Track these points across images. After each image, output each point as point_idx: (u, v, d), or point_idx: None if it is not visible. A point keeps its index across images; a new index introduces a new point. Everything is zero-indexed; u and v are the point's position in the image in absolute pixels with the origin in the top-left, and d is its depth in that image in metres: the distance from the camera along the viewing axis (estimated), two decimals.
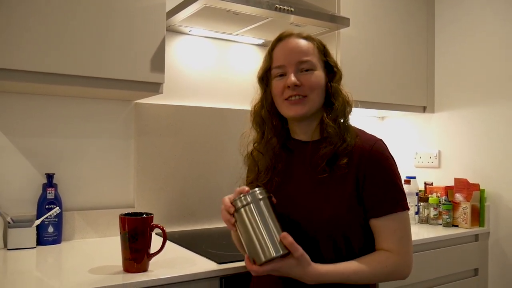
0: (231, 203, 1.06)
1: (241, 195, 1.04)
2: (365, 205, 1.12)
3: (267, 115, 1.23)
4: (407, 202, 1.14)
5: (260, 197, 1.04)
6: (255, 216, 1.02)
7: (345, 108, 1.18)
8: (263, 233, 1.01)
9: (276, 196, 1.16)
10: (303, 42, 1.18)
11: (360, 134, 1.18)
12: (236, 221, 1.05)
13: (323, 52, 1.21)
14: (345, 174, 1.12)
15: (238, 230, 1.06)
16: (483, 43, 2.27)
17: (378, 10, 2.25)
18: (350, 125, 1.19)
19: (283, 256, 1.01)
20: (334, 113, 1.17)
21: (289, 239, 0.99)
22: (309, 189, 1.15)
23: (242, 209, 1.03)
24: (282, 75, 1.18)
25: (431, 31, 2.48)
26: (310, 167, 1.16)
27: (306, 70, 1.16)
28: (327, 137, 1.16)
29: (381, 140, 1.17)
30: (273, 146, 1.22)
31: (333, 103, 1.18)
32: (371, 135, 1.19)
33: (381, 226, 1.12)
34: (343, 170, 1.11)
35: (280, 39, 1.21)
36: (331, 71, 1.21)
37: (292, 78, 1.14)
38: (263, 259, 1.00)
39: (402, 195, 1.14)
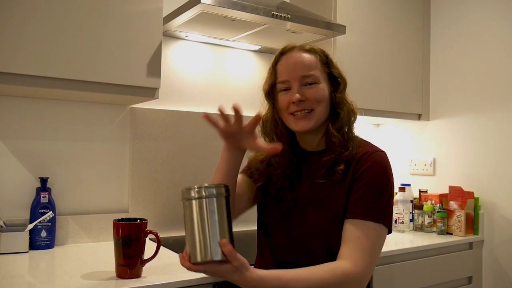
0: (182, 190, 0.97)
1: (196, 187, 0.95)
2: (346, 204, 1.10)
3: (277, 125, 1.23)
4: (386, 218, 1.08)
5: (215, 193, 0.95)
6: (203, 213, 0.94)
7: (350, 117, 1.19)
8: (207, 234, 0.93)
9: (283, 200, 1.19)
10: (306, 56, 1.18)
11: (364, 144, 1.18)
12: (185, 210, 0.97)
13: (326, 63, 1.20)
14: (342, 180, 1.12)
15: (184, 220, 0.98)
16: (478, 52, 2.29)
17: (374, 18, 2.27)
18: (355, 135, 1.19)
19: (220, 261, 0.94)
20: (339, 122, 1.17)
21: (228, 247, 0.91)
22: (308, 195, 1.16)
23: (194, 201, 0.95)
24: (287, 89, 1.17)
25: (427, 39, 2.49)
26: (313, 175, 1.17)
27: (310, 84, 1.16)
28: (331, 147, 1.16)
29: (383, 152, 1.16)
30: (285, 153, 1.22)
31: (339, 113, 1.18)
32: (375, 146, 1.18)
33: (347, 229, 1.06)
34: (338, 175, 1.11)
35: (283, 52, 1.20)
36: (335, 81, 1.20)
37: (296, 94, 1.14)
38: (198, 259, 0.93)
39: (385, 209, 1.08)
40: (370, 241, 1.05)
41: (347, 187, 1.11)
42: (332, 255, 1.09)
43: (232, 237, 0.96)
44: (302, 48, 1.19)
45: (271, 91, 1.22)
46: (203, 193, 0.95)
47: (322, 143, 1.20)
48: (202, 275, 1.32)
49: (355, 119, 1.20)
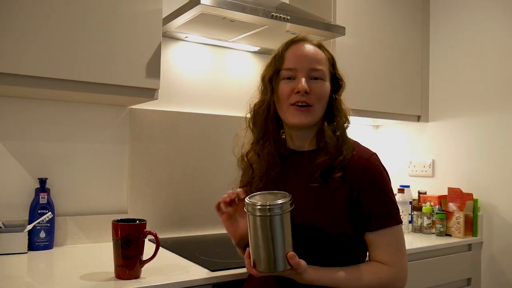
0: (252, 203, 1.01)
1: (266, 205, 1.00)
2: (360, 219, 1.11)
3: (268, 117, 1.20)
4: (400, 216, 1.15)
5: (282, 210, 1.00)
6: (274, 228, 1.00)
7: (344, 121, 1.18)
8: (276, 247, 1.00)
9: None
10: (317, 50, 1.18)
11: (356, 147, 1.17)
12: (249, 221, 1.02)
13: (332, 64, 1.20)
14: (339, 187, 1.11)
15: (248, 230, 1.03)
16: (477, 53, 2.29)
17: (373, 19, 2.27)
18: (348, 137, 1.19)
19: None
20: (335, 125, 1.17)
21: (295, 259, 1.00)
22: (301, 198, 1.13)
23: (261, 218, 1.00)
24: (291, 78, 1.15)
25: (426, 41, 2.50)
26: (305, 176, 1.15)
27: (316, 79, 1.15)
28: (323, 147, 1.15)
29: (375, 154, 1.17)
30: (269, 150, 1.21)
31: (335, 116, 1.18)
32: (367, 148, 1.19)
33: (376, 239, 1.12)
34: (336, 183, 1.11)
35: (294, 41, 1.20)
36: (337, 83, 1.20)
37: (304, 84, 1.12)
38: (266, 270, 1.01)
39: (396, 209, 1.14)
40: (399, 242, 1.14)
41: (345, 194, 1.11)
42: (323, 255, 1.10)
43: (293, 243, 1.03)
44: (313, 42, 1.19)
45: (272, 77, 1.18)
46: (271, 212, 0.99)
47: (313, 142, 1.19)
48: (200, 276, 1.34)
49: (348, 124, 1.20)
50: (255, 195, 1.06)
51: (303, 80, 1.13)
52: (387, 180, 1.15)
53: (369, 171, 1.12)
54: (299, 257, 1.03)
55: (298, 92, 1.13)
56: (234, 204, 1.17)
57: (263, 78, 1.21)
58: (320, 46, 1.20)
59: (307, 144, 1.20)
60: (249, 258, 1.04)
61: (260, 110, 1.21)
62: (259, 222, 1.00)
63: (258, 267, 1.02)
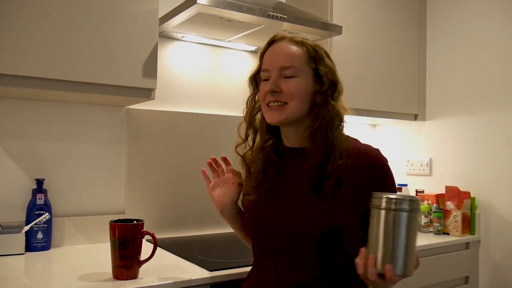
0: (389, 198, 0.93)
1: (406, 199, 0.92)
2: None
3: (256, 117, 1.22)
4: None
5: (419, 207, 0.95)
6: (412, 225, 0.93)
7: (332, 120, 1.12)
8: (413, 247, 0.95)
9: (266, 201, 1.15)
10: (292, 47, 1.14)
11: (356, 145, 1.13)
12: (380, 217, 0.94)
13: (314, 58, 1.14)
14: (345, 188, 1.07)
15: (380, 227, 0.94)
16: (474, 52, 2.29)
17: (370, 18, 2.27)
18: (341, 138, 1.12)
19: None
20: (317, 124, 1.12)
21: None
22: (301, 199, 1.11)
23: (406, 213, 0.92)
24: (267, 79, 1.15)
25: (423, 40, 2.50)
26: (302, 176, 1.12)
27: (289, 77, 1.12)
28: (314, 149, 1.11)
29: (378, 149, 1.13)
30: (266, 149, 1.20)
31: (316, 114, 1.12)
32: (368, 145, 1.15)
33: None
34: (332, 191, 1.07)
35: (271, 42, 1.19)
36: (320, 80, 1.14)
37: (269, 84, 1.13)
38: (406, 273, 0.94)
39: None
40: None
41: (352, 194, 1.07)
42: (325, 256, 1.08)
43: None
44: (292, 40, 1.17)
45: (256, 79, 1.22)
46: (415, 206, 0.93)
47: (308, 140, 1.14)
48: (198, 276, 1.33)
49: (340, 123, 1.14)
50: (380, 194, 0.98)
51: (273, 80, 1.13)
52: (392, 174, 1.13)
53: (377, 170, 1.10)
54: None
55: (267, 92, 1.14)
56: (220, 168, 1.30)
57: (248, 81, 1.25)
58: (297, 42, 1.16)
59: (300, 142, 1.17)
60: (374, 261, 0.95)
61: (249, 111, 1.23)
62: (406, 217, 0.92)
63: (397, 270, 0.93)
